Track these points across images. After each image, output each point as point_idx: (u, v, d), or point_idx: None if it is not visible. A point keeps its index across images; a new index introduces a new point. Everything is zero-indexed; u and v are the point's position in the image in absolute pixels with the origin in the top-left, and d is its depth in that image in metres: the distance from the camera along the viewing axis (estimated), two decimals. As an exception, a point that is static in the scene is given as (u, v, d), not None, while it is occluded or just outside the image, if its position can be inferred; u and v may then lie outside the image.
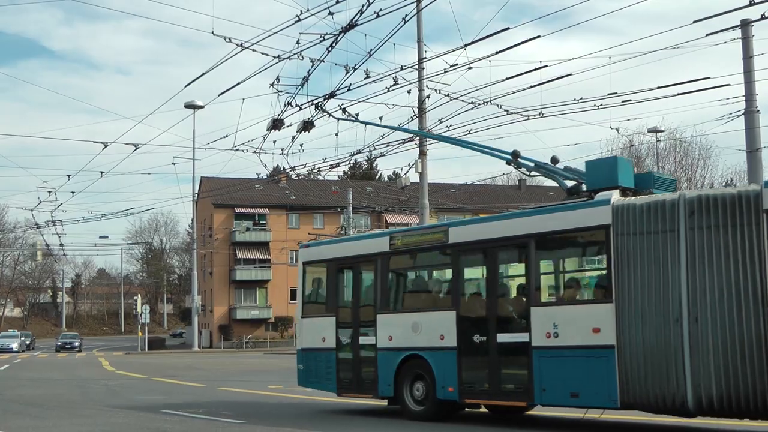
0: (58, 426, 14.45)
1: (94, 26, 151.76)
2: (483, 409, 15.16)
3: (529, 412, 14.76)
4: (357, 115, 21.07)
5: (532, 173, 15.40)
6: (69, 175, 31.71)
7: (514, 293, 13.59)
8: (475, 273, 14.51)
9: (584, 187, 13.24)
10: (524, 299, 13.07)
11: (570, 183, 13.76)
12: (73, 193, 37.70)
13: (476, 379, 13.53)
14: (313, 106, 19.37)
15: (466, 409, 14.98)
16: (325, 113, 19.46)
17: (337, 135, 21.43)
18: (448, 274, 14.59)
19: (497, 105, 20.85)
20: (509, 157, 14.67)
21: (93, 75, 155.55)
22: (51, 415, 16.52)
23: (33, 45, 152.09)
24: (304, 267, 17.20)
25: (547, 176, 14.72)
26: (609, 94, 19.74)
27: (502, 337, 13.10)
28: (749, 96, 25.08)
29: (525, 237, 12.96)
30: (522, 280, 13.24)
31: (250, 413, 16.07)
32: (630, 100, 19.93)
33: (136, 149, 26.95)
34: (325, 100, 20.32)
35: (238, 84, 19.38)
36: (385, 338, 14.98)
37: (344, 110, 19.15)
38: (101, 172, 31.57)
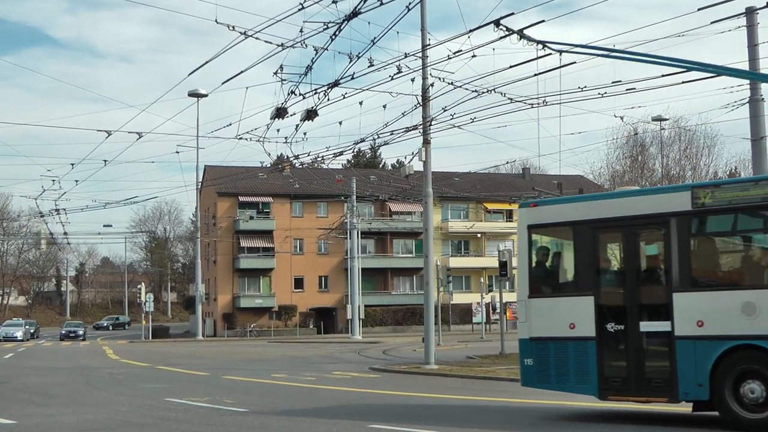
0: (62, 414, 14.49)
1: (97, 14, 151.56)
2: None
3: None
4: (361, 103, 21.14)
5: None
6: (73, 164, 31.73)
7: None
8: None
9: None
10: None
11: None
12: (77, 181, 37.44)
13: None
14: (493, 24, 16.27)
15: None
16: (524, 38, 14.96)
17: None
18: None
19: (501, 93, 20.78)
20: None
21: (96, 63, 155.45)
22: (55, 403, 16.58)
23: (36, 33, 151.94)
24: (530, 232, 13.71)
25: None
26: (613, 83, 19.65)
27: None
28: (754, 84, 25.01)
29: None
30: None
31: (254, 401, 16.10)
32: (634, 89, 19.84)
33: (140, 138, 26.93)
34: (329, 88, 20.31)
35: (242, 72, 19.50)
36: (691, 323, 11.65)
37: (522, 35, 14.82)
38: (105, 161, 31.61)
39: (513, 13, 16.78)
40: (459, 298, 67.40)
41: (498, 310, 31.99)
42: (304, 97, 20.06)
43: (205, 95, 54.21)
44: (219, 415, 14.04)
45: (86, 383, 21.96)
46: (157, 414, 14.23)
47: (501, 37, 14.91)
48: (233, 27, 17.05)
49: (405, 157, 28.41)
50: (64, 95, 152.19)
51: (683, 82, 19.13)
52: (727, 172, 58.50)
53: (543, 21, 17.09)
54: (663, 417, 13.09)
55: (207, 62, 19.82)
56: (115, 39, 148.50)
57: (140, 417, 13.92)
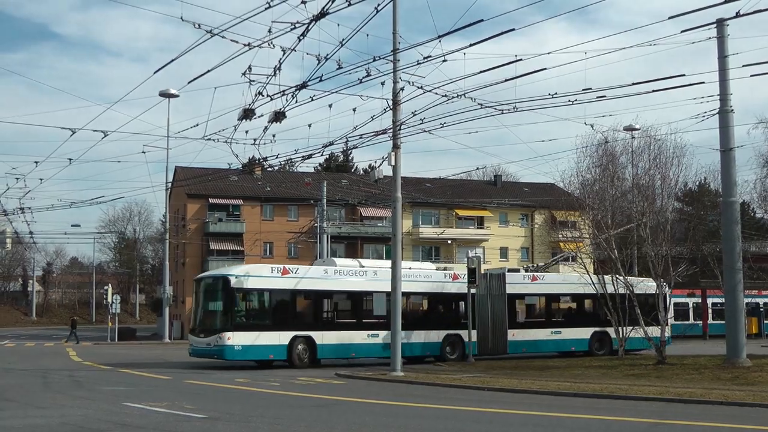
0: (14, 418, 14.07)
1: (102, 11, 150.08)
2: None
3: None
4: (330, 106, 20.94)
5: None
6: (37, 162, 31.13)
7: None
8: None
9: None
10: None
11: None
12: (41, 180, 36.80)
13: None
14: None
15: None
16: None
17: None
18: None
19: (471, 98, 20.68)
20: None
21: (98, 59, 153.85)
22: (8, 406, 16.11)
23: None
24: None
25: None
26: (584, 90, 19.65)
27: None
28: (723, 95, 25.08)
29: None
30: None
31: (214, 407, 15.77)
32: (604, 96, 19.87)
33: (105, 136, 26.46)
34: (297, 90, 20.06)
35: (208, 72, 19.06)
36: None
37: None
38: (70, 159, 30.98)
39: (482, 20, 16.73)
40: (428, 304, 67.18)
41: (468, 318, 31.81)
42: (271, 99, 19.79)
43: (177, 95, 53.50)
44: (176, 421, 13.71)
45: (44, 385, 21.49)
46: (113, 419, 13.86)
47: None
48: (198, 25, 16.71)
49: (375, 162, 28.24)
50: (33, 92, 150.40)
51: (653, 91, 19.17)
52: (697, 183, 58.69)
53: (512, 29, 17.07)
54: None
55: (172, 61, 19.48)
56: (91, 35, 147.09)
57: (95, 422, 13.56)
